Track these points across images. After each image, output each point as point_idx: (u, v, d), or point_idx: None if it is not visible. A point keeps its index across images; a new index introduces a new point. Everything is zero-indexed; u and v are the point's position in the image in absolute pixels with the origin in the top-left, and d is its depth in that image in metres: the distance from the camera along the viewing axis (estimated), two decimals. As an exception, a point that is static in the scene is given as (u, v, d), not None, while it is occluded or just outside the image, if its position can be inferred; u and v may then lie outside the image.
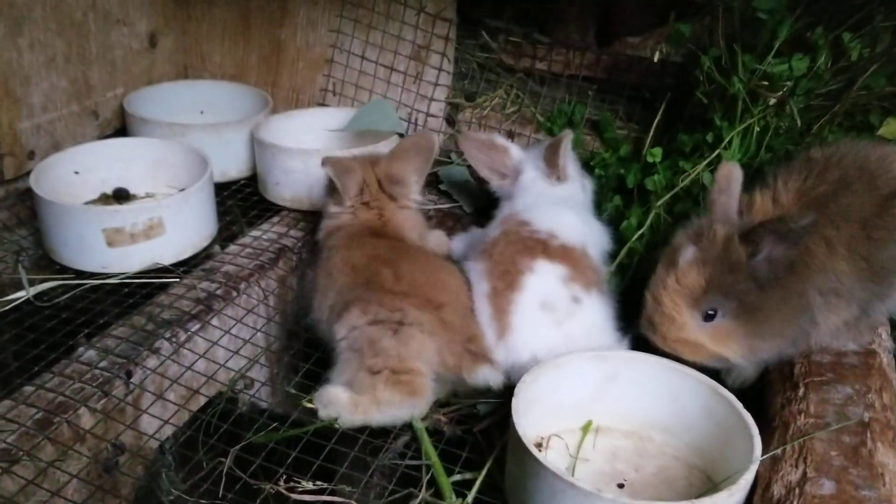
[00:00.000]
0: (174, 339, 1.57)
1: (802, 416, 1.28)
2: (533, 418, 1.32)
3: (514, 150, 1.83)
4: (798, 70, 1.64)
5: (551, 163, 1.74)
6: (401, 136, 2.09)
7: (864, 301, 1.38)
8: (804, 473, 1.16)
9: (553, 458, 1.36)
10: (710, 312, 1.33)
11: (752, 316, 1.33)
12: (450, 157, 2.21)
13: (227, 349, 1.65)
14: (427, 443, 1.41)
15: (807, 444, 1.21)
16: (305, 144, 2.14)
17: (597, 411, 1.45)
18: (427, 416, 1.49)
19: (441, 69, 2.25)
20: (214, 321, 1.67)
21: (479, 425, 1.49)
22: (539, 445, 1.39)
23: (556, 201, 1.69)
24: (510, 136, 2.21)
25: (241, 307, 1.75)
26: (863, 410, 1.28)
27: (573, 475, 1.32)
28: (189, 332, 1.61)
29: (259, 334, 1.73)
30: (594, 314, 1.51)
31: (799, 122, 1.60)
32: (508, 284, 1.50)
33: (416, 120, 2.27)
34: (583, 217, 1.69)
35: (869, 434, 1.23)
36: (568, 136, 1.75)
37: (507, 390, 1.47)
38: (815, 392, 1.33)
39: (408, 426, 1.48)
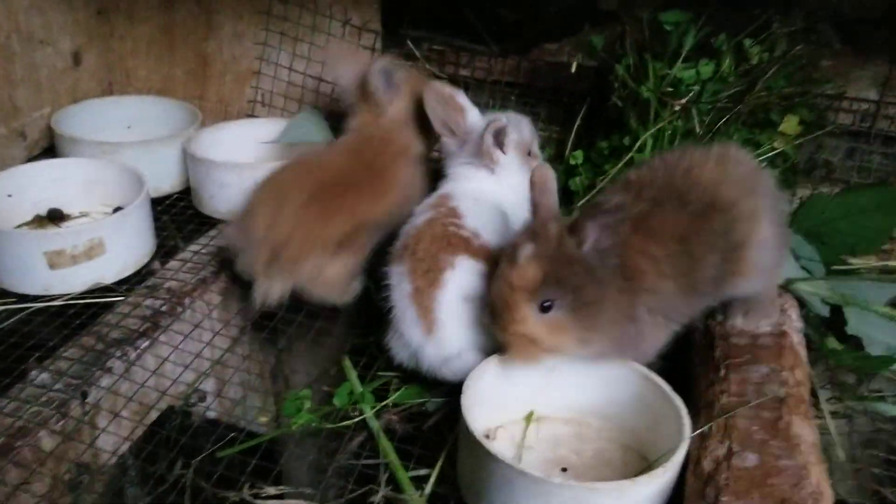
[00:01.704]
0: (125, 357, 1.60)
1: (725, 395, 1.40)
2: (480, 412, 1.40)
3: (472, 114, 1.80)
4: (704, 74, 1.77)
5: (481, 148, 1.71)
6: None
7: (683, 318, 1.46)
8: (730, 448, 1.27)
9: (500, 448, 1.42)
10: (547, 304, 1.36)
11: (585, 309, 1.36)
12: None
13: (176, 364, 1.68)
14: (384, 440, 1.48)
15: (730, 422, 1.33)
16: (237, 156, 2.18)
17: (538, 402, 1.53)
18: (379, 415, 1.57)
19: (369, 79, 2.30)
20: (162, 337, 1.70)
21: (429, 422, 1.57)
22: (487, 437, 1.47)
23: (488, 193, 1.70)
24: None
25: (187, 322, 1.78)
26: (778, 387, 1.39)
27: (520, 463, 1.41)
28: (139, 350, 1.63)
29: (206, 348, 1.76)
30: None
31: (698, 126, 1.72)
32: (431, 282, 1.54)
33: (347, 128, 2.32)
34: (508, 216, 1.67)
35: (785, 408, 1.35)
36: (497, 124, 1.69)
37: (453, 388, 1.56)
38: (736, 372, 1.45)
39: (361, 427, 1.55)
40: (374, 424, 1.53)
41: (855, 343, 1.66)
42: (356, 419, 1.55)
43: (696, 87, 1.76)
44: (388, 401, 1.60)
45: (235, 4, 2.30)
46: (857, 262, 1.90)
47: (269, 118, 2.34)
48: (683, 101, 1.71)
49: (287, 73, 2.33)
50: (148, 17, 2.37)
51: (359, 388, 1.63)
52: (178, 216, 2.15)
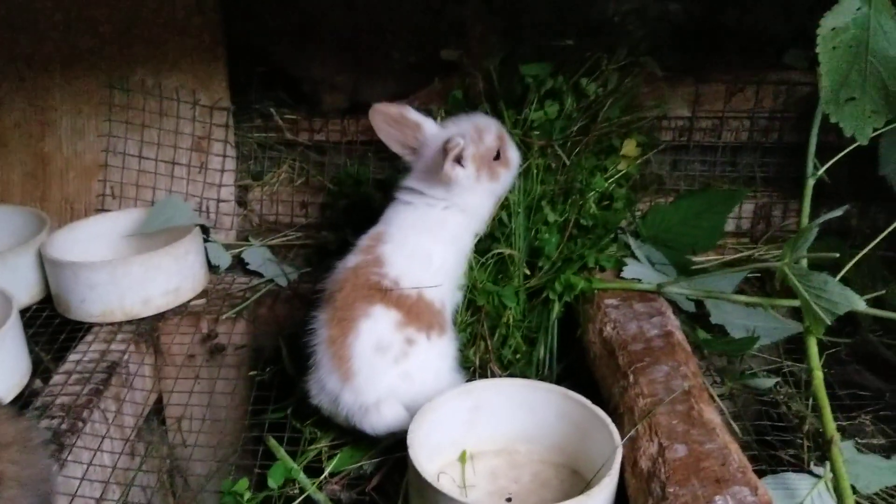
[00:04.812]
0: (39, 487, 1.50)
1: (641, 398, 1.54)
2: (423, 461, 1.45)
3: (427, 126, 1.73)
4: (551, 114, 1.94)
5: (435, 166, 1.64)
6: (202, 227, 2.12)
7: None
8: (660, 444, 1.41)
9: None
10: None
11: None
12: (248, 240, 2.28)
13: (93, 481, 1.60)
14: (335, 515, 1.49)
15: (654, 420, 1.47)
16: (100, 254, 2.10)
17: (469, 440, 1.61)
18: (321, 487, 1.58)
19: (225, 155, 2.31)
20: (70, 457, 1.61)
21: (372, 483, 1.60)
22: (433, 484, 1.52)
23: (433, 222, 1.70)
24: (304, 206, 2.33)
25: (90, 435, 1.70)
26: (681, 381, 1.56)
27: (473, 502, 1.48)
28: (51, 476, 1.54)
29: (120, 457, 1.69)
30: (430, 354, 1.64)
31: (566, 159, 1.88)
32: (344, 331, 1.58)
33: (208, 208, 2.30)
34: (439, 250, 1.69)
35: (693, 399, 1.51)
36: (452, 146, 1.61)
37: (387, 446, 1.61)
38: (642, 376, 1.60)
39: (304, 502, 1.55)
40: (321, 497, 1.54)
41: (720, 331, 1.87)
42: (299, 498, 1.55)
43: (547, 126, 1.92)
44: (326, 471, 1.61)
45: (72, 99, 2.21)
46: (700, 259, 2.14)
47: (124, 210, 2.27)
48: (543, 141, 1.86)
49: (137, 161, 2.27)
50: (-28, 123, 2.23)
51: (291, 464, 1.62)
52: (45, 328, 2.02)
